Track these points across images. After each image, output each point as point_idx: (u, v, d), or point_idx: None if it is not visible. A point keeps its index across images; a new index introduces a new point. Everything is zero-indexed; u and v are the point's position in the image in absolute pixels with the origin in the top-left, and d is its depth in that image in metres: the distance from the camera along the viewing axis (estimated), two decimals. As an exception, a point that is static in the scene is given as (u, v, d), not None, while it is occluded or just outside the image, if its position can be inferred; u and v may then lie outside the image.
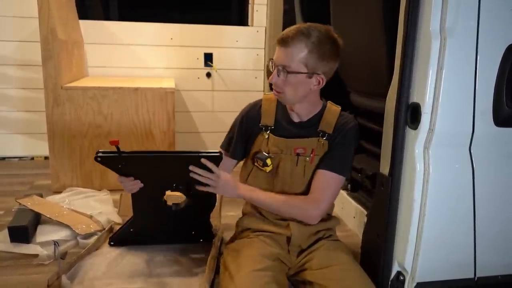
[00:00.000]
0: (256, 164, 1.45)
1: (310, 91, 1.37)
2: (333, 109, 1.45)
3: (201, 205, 1.66)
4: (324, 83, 1.37)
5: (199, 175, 1.36)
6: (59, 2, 2.36)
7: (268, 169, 1.42)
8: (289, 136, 1.42)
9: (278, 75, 1.34)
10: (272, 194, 1.40)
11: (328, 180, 1.38)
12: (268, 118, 1.46)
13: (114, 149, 1.42)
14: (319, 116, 1.43)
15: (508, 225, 1.36)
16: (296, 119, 1.44)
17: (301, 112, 1.43)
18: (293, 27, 1.33)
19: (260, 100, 1.51)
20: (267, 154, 1.42)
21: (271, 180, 1.44)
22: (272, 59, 1.37)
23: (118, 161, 1.45)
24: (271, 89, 1.42)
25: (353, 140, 1.42)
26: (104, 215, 1.96)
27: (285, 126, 1.44)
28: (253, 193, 1.41)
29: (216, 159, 1.39)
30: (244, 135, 1.50)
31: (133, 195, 1.57)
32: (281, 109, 1.47)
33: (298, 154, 1.40)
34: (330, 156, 1.39)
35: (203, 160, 1.35)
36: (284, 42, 1.31)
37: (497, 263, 1.37)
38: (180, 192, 1.61)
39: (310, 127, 1.42)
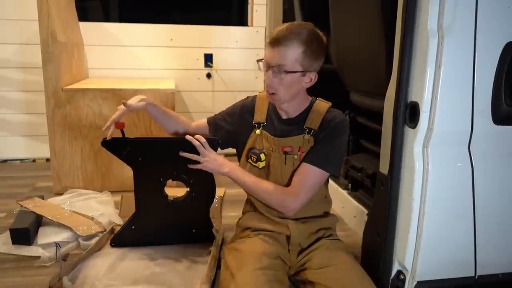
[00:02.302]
0: (250, 160, 1.46)
1: (302, 88, 1.39)
2: (322, 105, 1.45)
3: (201, 196, 1.67)
4: (315, 80, 1.39)
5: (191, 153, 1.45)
6: (59, 4, 2.37)
7: (261, 164, 1.44)
8: (277, 135, 1.44)
9: (273, 76, 1.34)
10: (256, 180, 1.42)
11: (308, 173, 1.38)
12: (260, 115, 1.49)
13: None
14: (306, 113, 1.44)
15: (508, 223, 1.36)
16: (284, 116, 1.46)
17: (289, 109, 1.44)
18: (283, 27, 1.34)
19: (255, 97, 1.54)
20: (261, 150, 1.44)
21: (264, 177, 1.45)
22: (262, 59, 1.38)
23: (122, 146, 1.53)
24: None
25: (340, 134, 1.40)
26: (106, 216, 1.97)
27: (275, 124, 1.46)
28: (239, 173, 1.43)
29: (214, 144, 1.48)
30: (235, 124, 1.53)
31: (136, 186, 1.61)
32: (272, 107, 1.49)
33: (285, 153, 1.41)
34: (313, 150, 1.40)
35: (194, 137, 1.47)
36: (278, 42, 1.32)
37: (498, 261, 1.37)
38: (181, 181, 1.64)
39: (297, 124, 1.43)
